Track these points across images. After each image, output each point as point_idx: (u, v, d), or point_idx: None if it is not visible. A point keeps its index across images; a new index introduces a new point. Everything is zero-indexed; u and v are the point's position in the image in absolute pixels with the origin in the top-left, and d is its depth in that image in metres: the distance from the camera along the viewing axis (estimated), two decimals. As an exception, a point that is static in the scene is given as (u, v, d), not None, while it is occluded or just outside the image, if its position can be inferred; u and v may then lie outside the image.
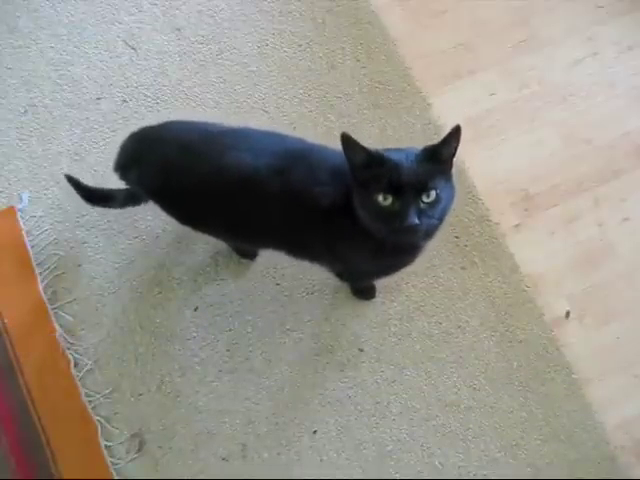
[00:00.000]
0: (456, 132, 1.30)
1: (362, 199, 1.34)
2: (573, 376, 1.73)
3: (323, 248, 1.52)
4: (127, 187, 1.67)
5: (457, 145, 1.33)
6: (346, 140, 1.31)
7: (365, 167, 1.32)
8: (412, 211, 1.28)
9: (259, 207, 1.47)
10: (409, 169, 1.29)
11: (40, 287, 1.80)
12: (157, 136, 1.56)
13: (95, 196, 1.76)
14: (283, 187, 1.43)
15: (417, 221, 1.29)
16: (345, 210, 1.39)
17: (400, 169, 1.29)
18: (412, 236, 1.34)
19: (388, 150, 1.34)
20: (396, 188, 1.29)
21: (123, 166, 1.59)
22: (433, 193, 1.30)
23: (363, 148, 1.31)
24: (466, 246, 1.85)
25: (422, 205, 1.30)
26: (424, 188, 1.29)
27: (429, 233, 1.38)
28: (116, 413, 1.71)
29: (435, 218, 1.33)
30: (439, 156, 1.32)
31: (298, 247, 1.57)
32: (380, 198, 1.30)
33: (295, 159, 1.45)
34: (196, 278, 1.82)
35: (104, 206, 1.77)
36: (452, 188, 1.36)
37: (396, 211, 1.30)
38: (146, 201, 1.70)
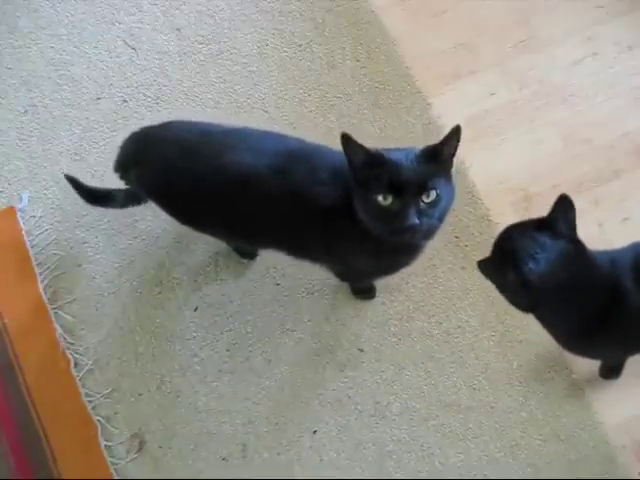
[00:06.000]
0: (456, 132, 1.30)
1: (362, 199, 1.34)
2: (573, 376, 1.72)
3: (322, 248, 1.52)
4: (127, 187, 1.67)
5: (457, 145, 1.32)
6: (346, 140, 1.31)
7: (365, 167, 1.32)
8: (412, 211, 1.28)
9: (259, 207, 1.48)
10: (409, 169, 1.29)
11: (40, 287, 1.80)
12: (157, 136, 1.57)
13: (95, 196, 1.76)
14: (283, 187, 1.44)
15: (417, 221, 1.28)
16: (344, 210, 1.39)
17: (400, 169, 1.29)
18: (412, 236, 1.34)
19: (388, 150, 1.34)
20: (396, 188, 1.29)
21: (123, 166, 1.60)
22: (433, 193, 1.30)
23: (363, 148, 1.31)
24: (466, 246, 1.84)
25: (422, 205, 1.30)
26: (424, 188, 1.29)
27: (429, 233, 1.37)
28: (116, 413, 1.71)
29: (435, 218, 1.32)
30: (439, 156, 1.32)
31: (297, 247, 1.57)
32: (380, 198, 1.30)
33: (295, 159, 1.46)
34: (196, 278, 1.82)
35: (104, 206, 1.77)
36: (452, 188, 1.35)
37: (396, 211, 1.29)
38: (146, 201, 1.71)
